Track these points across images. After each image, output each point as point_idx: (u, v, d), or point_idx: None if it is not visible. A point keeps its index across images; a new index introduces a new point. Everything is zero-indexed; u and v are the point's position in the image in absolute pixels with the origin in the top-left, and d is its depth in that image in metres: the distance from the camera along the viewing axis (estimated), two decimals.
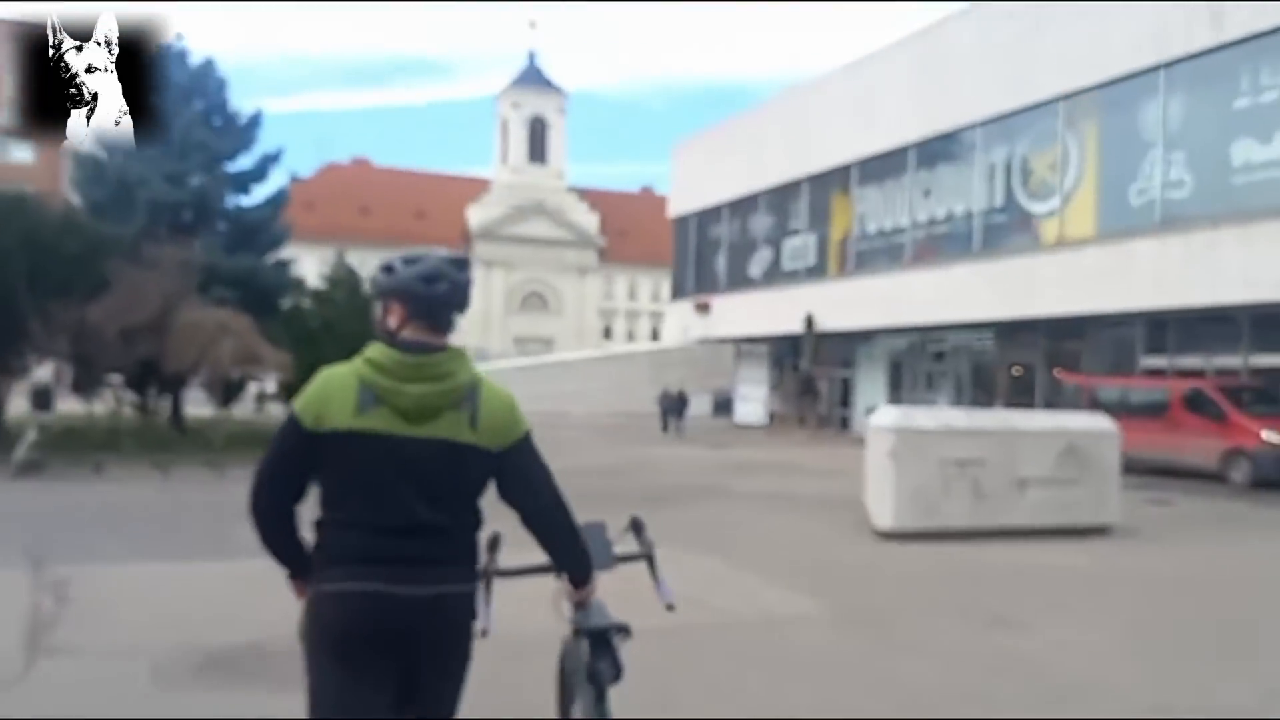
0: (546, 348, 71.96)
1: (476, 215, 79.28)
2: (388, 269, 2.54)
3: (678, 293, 40.38)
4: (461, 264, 2.55)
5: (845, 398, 32.28)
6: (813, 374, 31.62)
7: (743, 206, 35.04)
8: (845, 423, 31.33)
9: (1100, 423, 12.26)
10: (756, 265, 34.35)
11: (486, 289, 78.26)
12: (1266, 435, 17.30)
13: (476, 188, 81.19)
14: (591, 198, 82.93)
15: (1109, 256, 20.80)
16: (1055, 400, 22.67)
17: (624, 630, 2.66)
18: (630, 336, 79.87)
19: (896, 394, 29.00)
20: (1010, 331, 25.18)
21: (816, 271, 31.16)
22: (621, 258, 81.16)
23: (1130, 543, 10.92)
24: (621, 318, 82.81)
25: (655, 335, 70.73)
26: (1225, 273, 18.28)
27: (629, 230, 79.22)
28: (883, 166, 28.10)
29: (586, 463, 19.44)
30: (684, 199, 39.22)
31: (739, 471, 17.97)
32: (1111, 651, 6.38)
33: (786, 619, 7.03)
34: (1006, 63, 23.40)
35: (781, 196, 32.87)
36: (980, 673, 5.81)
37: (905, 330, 28.07)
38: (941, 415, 13.18)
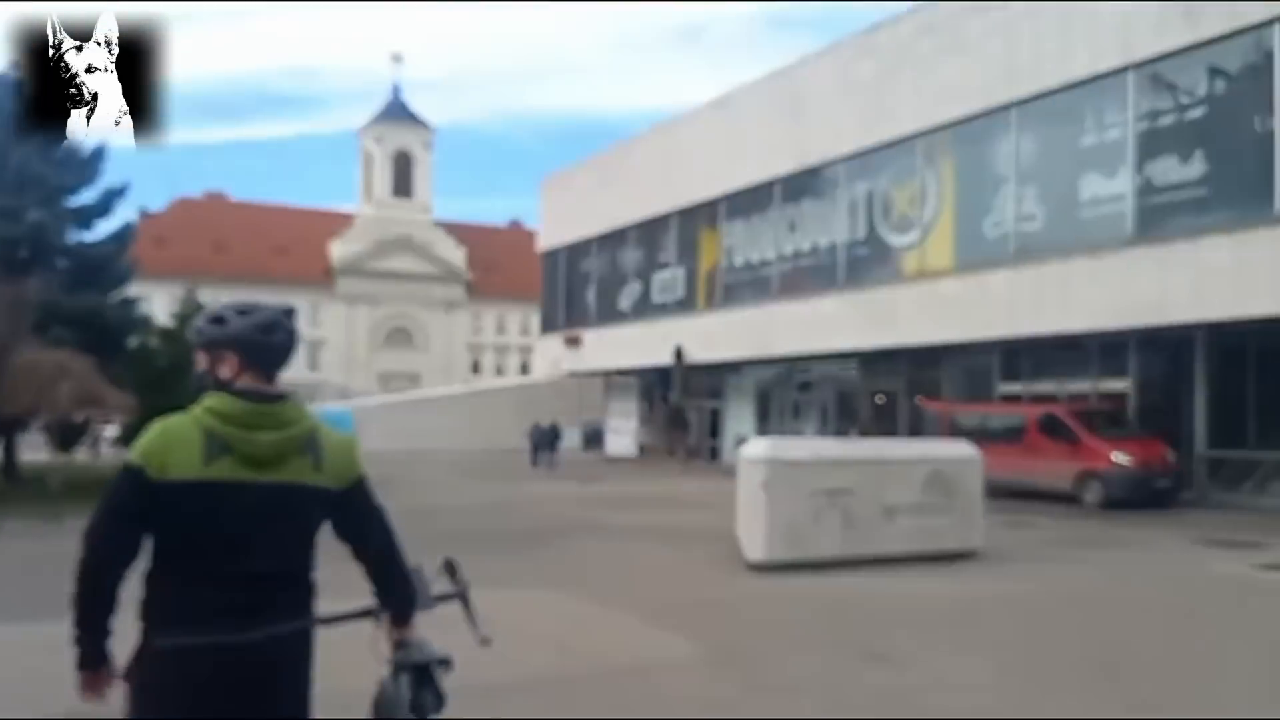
0: (412, 384, 70.43)
1: (339, 250, 77.36)
2: (219, 320, 2.54)
3: (547, 326, 40.13)
4: (291, 314, 2.62)
5: (714, 428, 32.46)
6: (682, 405, 31.70)
7: (612, 240, 35.09)
8: (714, 453, 31.48)
9: (964, 449, 12.44)
10: (626, 298, 34.39)
11: (350, 325, 76.38)
12: (1116, 457, 18.00)
13: (339, 222, 79.26)
14: (459, 232, 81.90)
15: (966, 287, 21.46)
16: (918, 427, 23.20)
17: (446, 663, 2.72)
18: (499, 371, 78.84)
19: (764, 424, 29.29)
20: (873, 361, 25.73)
21: (685, 304, 31.35)
22: (490, 292, 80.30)
23: (995, 567, 11.06)
24: (490, 352, 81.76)
25: (524, 369, 70.02)
26: (1075, 302, 19.03)
27: (497, 264, 78.47)
28: (750, 200, 28.49)
29: (454, 501, 18.91)
30: (553, 233, 39.10)
31: (610, 506, 17.69)
32: (989, 683, 6.33)
33: (661, 664, 6.76)
34: (867, 100, 24.05)
35: (650, 230, 33.03)
36: (862, 714, 5.66)
37: (773, 361, 28.41)
38: (812, 445, 13.24)
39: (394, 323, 78.98)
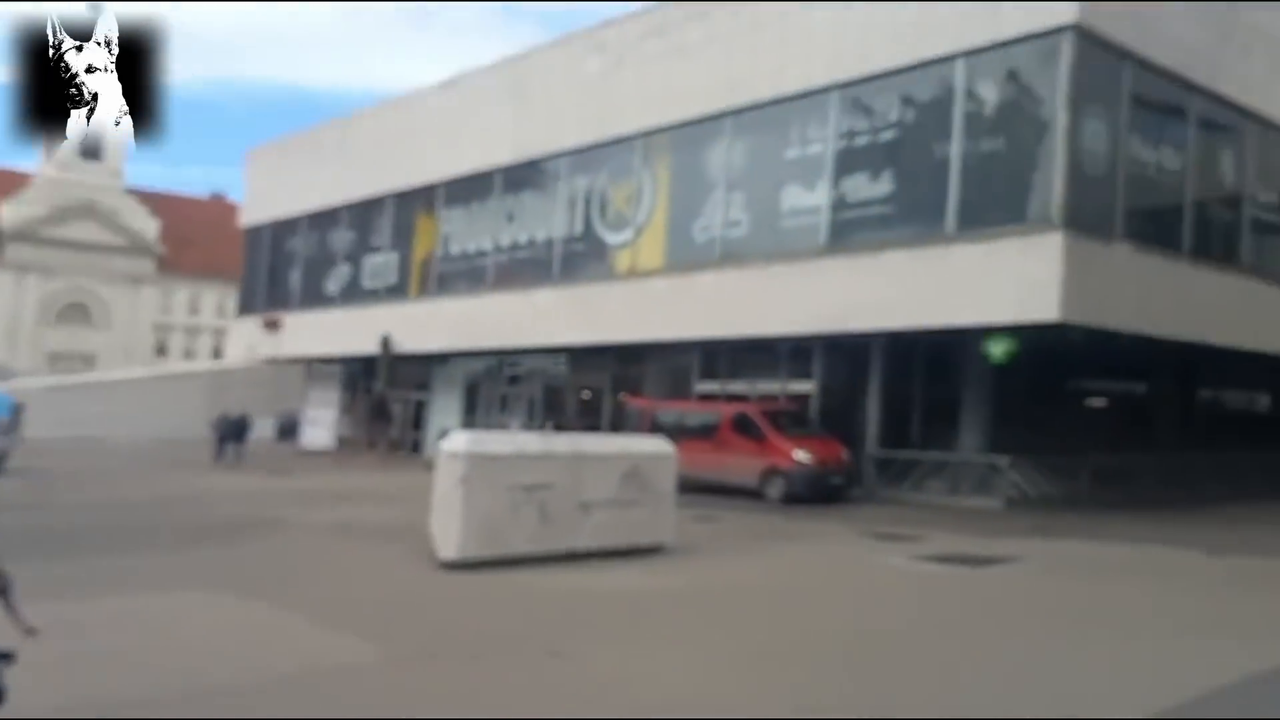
0: (88, 365, 64.31)
1: (10, 213, 69.25)
2: None
3: (245, 308, 37.68)
4: None
5: (418, 420, 31.71)
6: (386, 396, 30.74)
7: (323, 220, 33.37)
8: (417, 446, 30.72)
9: (659, 445, 12.71)
10: (334, 282, 32.84)
11: (18, 297, 68.72)
12: (797, 455, 19.09)
13: (13, 182, 70.85)
14: (153, 201, 75.49)
15: (674, 288, 22.04)
16: (620, 423, 23.61)
17: (8, 657, 2.67)
18: (188, 354, 73.42)
19: (471, 417, 28.93)
20: (583, 356, 25.97)
21: (397, 291, 30.34)
22: (184, 268, 74.54)
23: (682, 560, 11.34)
24: (180, 333, 75.89)
25: (218, 353, 65.71)
26: (772, 307, 19.96)
27: (194, 239, 72.95)
28: (469, 188, 27.93)
29: (122, 495, 17.39)
30: (259, 208, 36.69)
31: (299, 501, 16.75)
32: (668, 676, 6.38)
33: (339, 669, 6.35)
34: (592, 96, 24.14)
35: (365, 212, 31.69)
36: (539, 711, 5.52)
37: (483, 353, 28.08)
38: (514, 440, 13.06)
39: (70, 297, 71.64)
